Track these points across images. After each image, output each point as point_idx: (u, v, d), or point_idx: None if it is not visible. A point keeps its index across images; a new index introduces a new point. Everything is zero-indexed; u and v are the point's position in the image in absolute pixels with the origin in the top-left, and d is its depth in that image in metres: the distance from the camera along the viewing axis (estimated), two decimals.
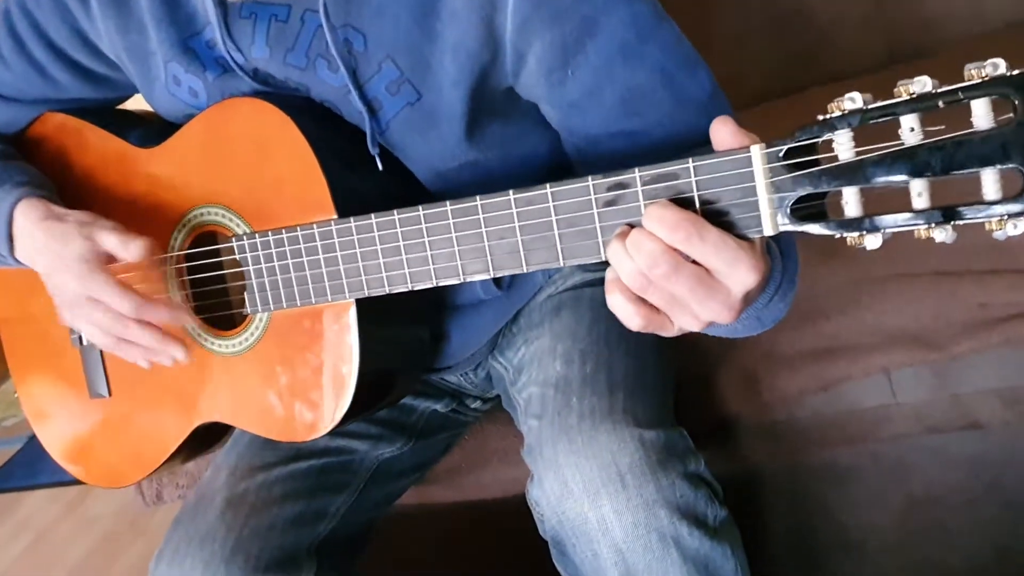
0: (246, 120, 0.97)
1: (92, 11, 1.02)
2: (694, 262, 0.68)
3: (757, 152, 0.66)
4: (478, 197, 0.79)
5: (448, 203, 0.81)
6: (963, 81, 0.57)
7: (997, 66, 0.56)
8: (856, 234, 0.64)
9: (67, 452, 1.22)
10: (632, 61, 0.84)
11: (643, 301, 0.71)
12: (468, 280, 0.82)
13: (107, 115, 1.16)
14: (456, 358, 1.15)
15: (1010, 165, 0.57)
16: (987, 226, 0.59)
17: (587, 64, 0.85)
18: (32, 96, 1.13)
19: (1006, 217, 0.58)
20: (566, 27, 0.84)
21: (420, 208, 0.82)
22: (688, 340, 0.84)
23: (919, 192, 0.60)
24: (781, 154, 0.65)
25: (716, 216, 0.69)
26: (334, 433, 1.00)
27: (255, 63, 0.97)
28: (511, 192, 0.77)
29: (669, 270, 0.68)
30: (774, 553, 1.34)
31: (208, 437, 1.14)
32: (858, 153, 0.62)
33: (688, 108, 0.86)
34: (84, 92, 1.13)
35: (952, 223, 0.60)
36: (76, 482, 1.23)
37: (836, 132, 0.63)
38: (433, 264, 0.83)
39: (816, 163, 0.64)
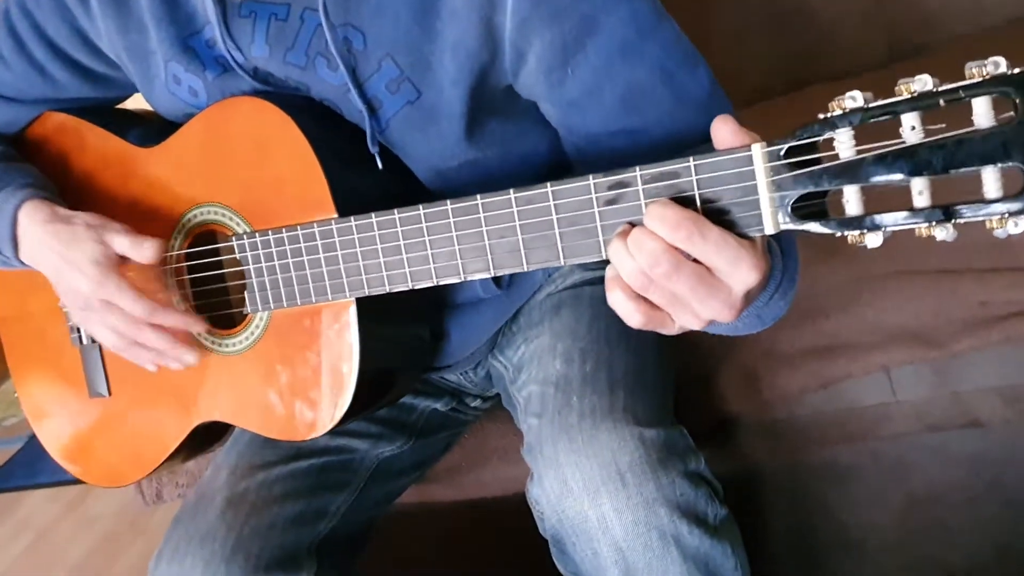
0: (246, 119, 0.97)
1: (92, 10, 1.02)
2: (695, 261, 0.68)
3: (758, 151, 0.66)
4: (478, 196, 0.79)
5: (448, 202, 0.81)
6: (964, 79, 0.57)
7: (998, 64, 0.56)
8: (857, 232, 0.64)
9: (67, 451, 1.22)
10: (632, 59, 0.84)
11: (644, 299, 0.71)
12: (469, 279, 0.82)
13: (107, 114, 1.16)
14: (456, 357, 1.15)
15: (1011, 163, 0.57)
16: (988, 224, 0.59)
17: (587, 63, 0.85)
18: (32, 96, 1.13)
19: (1007, 215, 0.58)
20: (565, 26, 0.84)
21: (421, 207, 0.82)
22: (688, 339, 0.84)
23: (920, 190, 0.60)
24: (782, 153, 0.65)
25: (717, 215, 0.69)
26: (334, 432, 1.00)
27: (255, 62, 0.97)
28: (511, 191, 0.77)
29: (670, 269, 0.68)
30: (774, 551, 1.34)
31: (208, 436, 1.14)
32: (859, 152, 0.62)
33: (688, 106, 0.86)
34: (84, 91, 1.13)
35: (953, 221, 0.60)
36: (76, 482, 1.23)
37: (837, 131, 0.63)
38: (434, 263, 0.83)
39: (817, 162, 0.64)
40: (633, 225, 0.71)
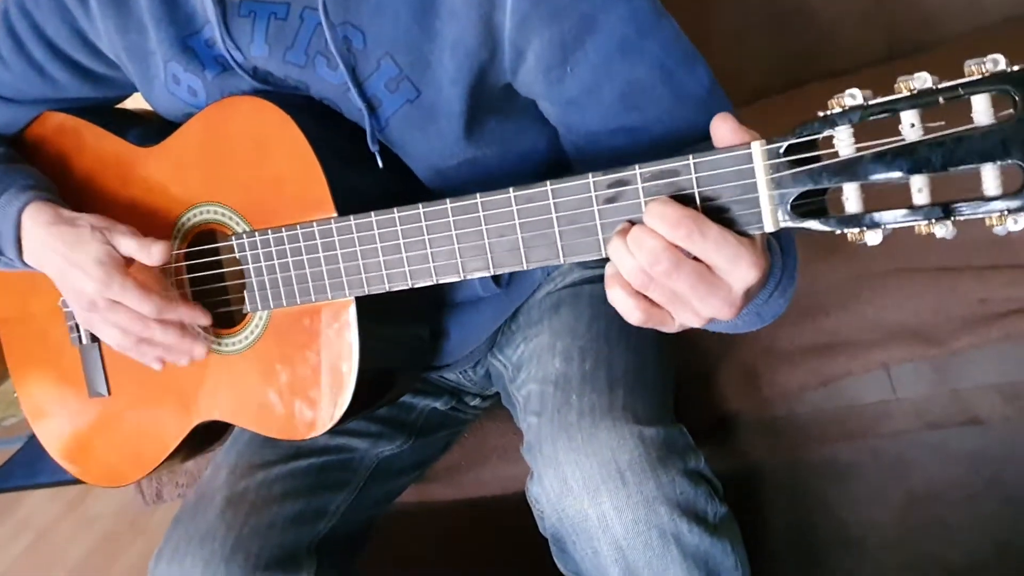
0: (246, 118, 0.97)
1: (91, 11, 1.02)
2: (695, 259, 0.68)
3: (757, 149, 0.66)
4: (478, 195, 0.79)
5: (448, 201, 0.81)
6: (963, 77, 0.57)
7: (997, 62, 0.56)
8: (856, 230, 0.64)
9: (66, 451, 1.22)
10: (631, 57, 0.84)
11: (644, 296, 0.71)
12: (468, 278, 0.82)
13: (106, 114, 1.16)
14: (455, 356, 1.15)
15: (1010, 161, 0.57)
16: (987, 222, 0.59)
17: (586, 61, 0.85)
18: (31, 96, 1.13)
19: (1006, 213, 0.58)
20: (565, 24, 0.84)
21: (420, 206, 0.82)
22: (688, 337, 0.84)
23: (919, 188, 0.60)
24: (781, 150, 0.65)
25: (717, 213, 0.69)
26: (334, 431, 1.00)
27: (254, 61, 0.96)
28: (511, 190, 0.77)
29: (670, 267, 0.68)
30: (774, 549, 1.34)
31: (208, 436, 1.14)
32: (858, 149, 0.62)
33: (687, 104, 0.86)
34: (83, 92, 1.12)
35: (952, 219, 0.60)
36: (76, 481, 1.23)
37: (836, 128, 0.63)
38: (433, 262, 0.83)
39: (817, 159, 0.64)
40: (633, 223, 0.71)
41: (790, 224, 0.66)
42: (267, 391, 1.01)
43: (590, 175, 0.73)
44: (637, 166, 0.71)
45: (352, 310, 0.93)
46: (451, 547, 1.50)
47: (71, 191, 1.09)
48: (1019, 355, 1.19)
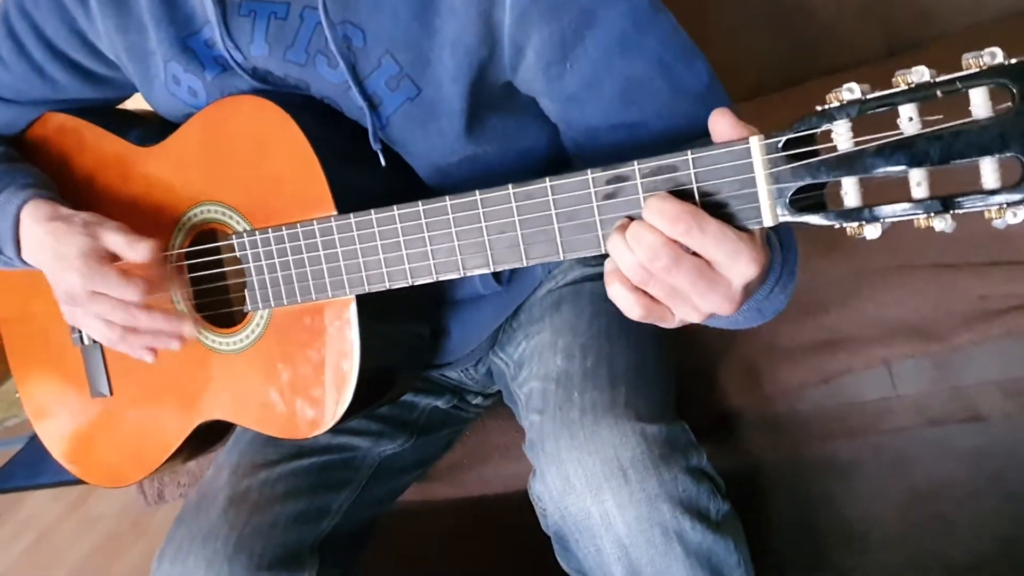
0: (246, 117, 0.97)
1: (91, 11, 1.02)
2: (694, 254, 0.68)
3: (756, 143, 0.66)
4: (477, 192, 0.79)
5: (448, 198, 0.81)
6: (961, 71, 0.57)
7: (995, 55, 0.56)
8: (855, 224, 0.64)
9: (68, 451, 1.22)
10: (630, 52, 0.84)
11: (643, 291, 0.71)
12: (468, 274, 0.82)
13: (107, 115, 1.16)
14: (457, 354, 1.15)
15: (1008, 154, 0.57)
16: (986, 215, 0.59)
17: (586, 57, 0.85)
18: (32, 97, 1.13)
19: (1005, 206, 0.58)
20: (564, 20, 0.84)
21: (420, 203, 0.83)
22: (688, 333, 0.84)
23: (918, 182, 0.60)
24: (780, 145, 0.66)
25: (716, 208, 0.69)
26: (335, 430, 1.00)
27: (254, 61, 0.97)
28: (510, 186, 0.77)
29: (670, 262, 0.68)
30: (777, 546, 1.34)
31: (209, 436, 1.15)
32: (857, 143, 0.62)
33: (686, 99, 0.86)
34: (83, 92, 1.13)
35: (951, 212, 0.60)
36: (78, 482, 1.23)
37: (835, 122, 0.63)
38: (433, 259, 0.83)
39: (815, 154, 0.64)
40: (632, 219, 0.71)
41: (789, 218, 0.66)
42: (268, 390, 1.01)
43: (589, 171, 0.73)
44: (636, 162, 0.71)
45: (353, 308, 0.93)
46: (453, 546, 1.50)
47: (72, 191, 1.09)
48: (1020, 351, 1.19)
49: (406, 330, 1.07)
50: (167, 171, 1.05)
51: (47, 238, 1.00)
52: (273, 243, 0.94)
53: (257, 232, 0.96)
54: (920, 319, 1.20)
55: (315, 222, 0.90)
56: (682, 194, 0.69)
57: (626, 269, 0.70)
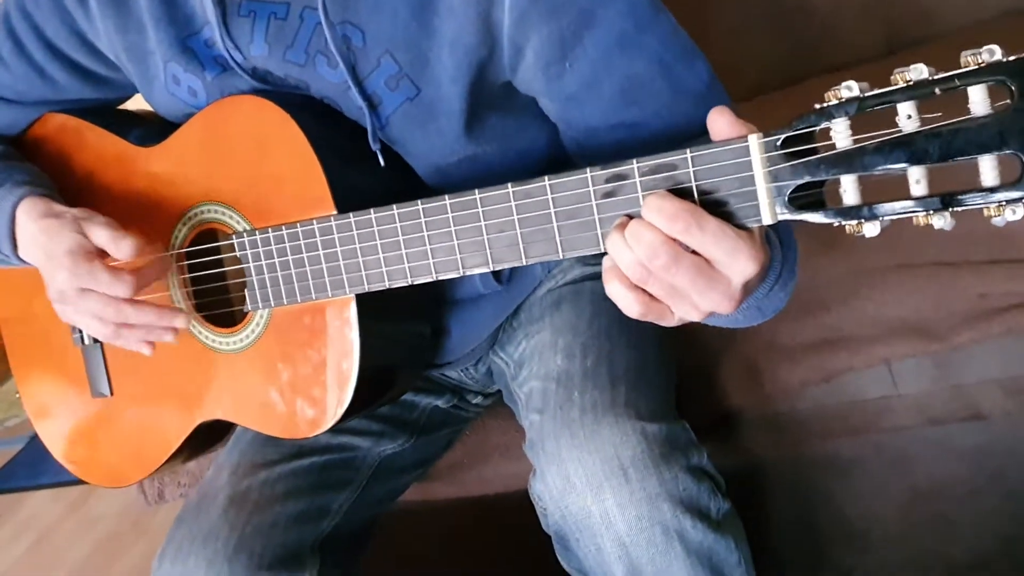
0: (246, 117, 0.97)
1: (91, 11, 1.02)
2: (694, 252, 0.68)
3: (755, 141, 0.66)
4: (476, 191, 0.79)
5: (447, 197, 0.81)
6: (960, 68, 0.57)
7: (993, 52, 0.56)
8: (855, 222, 0.64)
9: (69, 451, 1.22)
10: (630, 52, 0.84)
11: (642, 289, 0.71)
12: (468, 273, 0.82)
13: (107, 115, 1.16)
14: (457, 353, 1.15)
15: (1007, 151, 0.57)
16: (986, 212, 0.59)
17: (585, 56, 0.85)
18: (32, 97, 1.13)
19: (1004, 203, 0.58)
20: (563, 20, 0.84)
21: (419, 202, 0.83)
22: (689, 332, 0.84)
23: (917, 179, 0.60)
24: (779, 143, 0.65)
25: (715, 206, 0.69)
26: (336, 430, 1.00)
27: (254, 61, 0.97)
28: (509, 185, 0.77)
29: (669, 261, 0.68)
30: (777, 545, 1.34)
31: (210, 435, 1.15)
32: (856, 141, 0.62)
33: (686, 99, 0.86)
34: (84, 93, 1.13)
35: (950, 210, 0.60)
36: (78, 482, 1.23)
37: (833, 120, 0.63)
38: (432, 258, 0.83)
39: (814, 152, 0.64)
40: (631, 217, 0.71)
41: (788, 216, 0.66)
42: (269, 390, 1.01)
43: (588, 170, 0.73)
44: (635, 160, 0.71)
45: (353, 308, 0.93)
46: (454, 545, 1.50)
47: (72, 192, 1.10)
48: (1020, 350, 1.19)
49: (406, 329, 1.07)
50: (167, 171, 1.05)
51: (40, 235, 0.99)
52: (273, 243, 0.94)
53: (257, 232, 0.96)
54: (920, 318, 1.20)
55: (315, 222, 0.90)
56: (681, 192, 0.69)
57: (625, 267, 0.70)
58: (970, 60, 0.57)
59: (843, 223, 0.64)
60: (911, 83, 0.59)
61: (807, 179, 0.65)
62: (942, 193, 0.60)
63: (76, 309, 0.99)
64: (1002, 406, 1.22)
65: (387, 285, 0.88)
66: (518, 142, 1.00)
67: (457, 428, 1.34)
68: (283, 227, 0.93)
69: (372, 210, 0.86)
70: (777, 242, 0.78)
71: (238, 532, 1.05)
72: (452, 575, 1.51)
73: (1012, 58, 0.56)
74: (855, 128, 0.62)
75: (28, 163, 1.11)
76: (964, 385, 1.23)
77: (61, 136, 1.15)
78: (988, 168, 0.58)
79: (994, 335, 1.17)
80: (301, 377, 0.98)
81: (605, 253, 0.73)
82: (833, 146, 0.63)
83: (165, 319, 0.99)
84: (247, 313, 1.00)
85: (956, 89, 0.58)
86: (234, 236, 0.98)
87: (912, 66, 0.59)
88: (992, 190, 0.58)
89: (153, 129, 1.10)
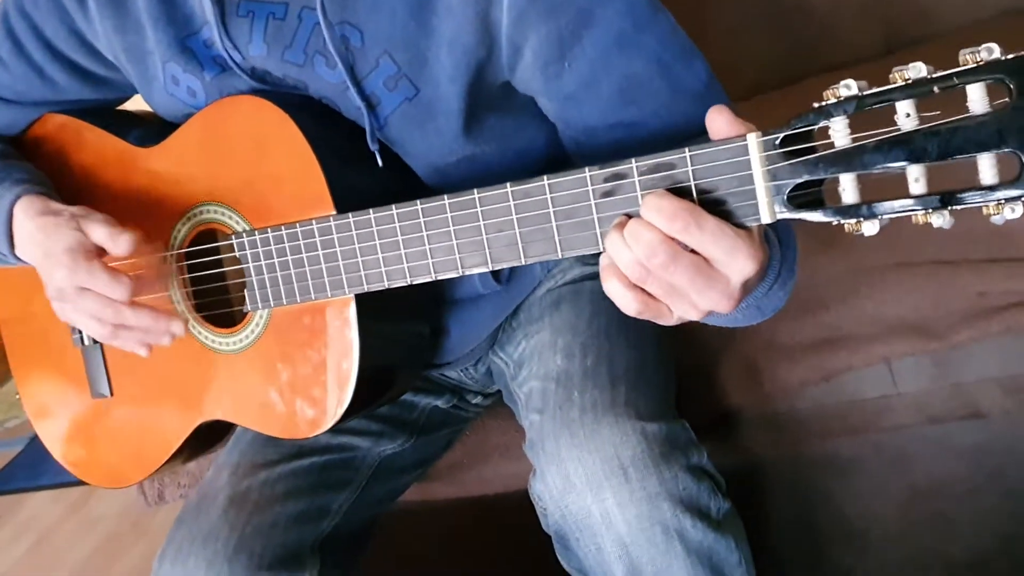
0: (245, 118, 0.97)
1: (90, 12, 1.02)
2: (692, 251, 0.68)
3: (753, 140, 0.66)
4: (475, 191, 0.79)
5: (446, 197, 0.81)
6: (958, 67, 0.57)
7: (991, 51, 0.56)
8: (854, 220, 0.64)
9: (69, 452, 1.22)
10: (629, 51, 0.84)
11: (641, 288, 0.71)
12: (467, 273, 0.82)
13: (107, 115, 1.16)
14: (456, 353, 1.15)
15: (1006, 149, 0.57)
16: (984, 211, 0.59)
17: (584, 56, 0.85)
18: (31, 98, 1.13)
19: (1003, 201, 0.58)
20: (562, 20, 0.84)
21: (418, 202, 0.83)
22: (688, 331, 0.84)
23: (916, 178, 0.60)
24: (777, 142, 0.65)
25: (713, 205, 0.69)
26: (335, 430, 1.00)
27: (253, 61, 0.97)
28: (508, 185, 0.77)
29: (667, 260, 0.68)
30: (777, 544, 1.34)
31: (210, 436, 1.15)
32: (854, 140, 0.62)
33: (685, 98, 0.86)
34: (83, 93, 1.13)
35: (949, 208, 0.60)
36: (78, 483, 1.23)
37: (832, 119, 0.63)
38: (432, 258, 0.83)
39: (813, 150, 0.64)
40: (630, 216, 0.71)
41: (787, 215, 0.66)
42: (268, 390, 1.01)
43: (587, 169, 0.73)
44: (633, 160, 0.71)
45: (352, 308, 0.93)
46: (454, 545, 1.50)
47: (71, 192, 1.09)
48: (1019, 348, 1.19)
49: (405, 329, 1.07)
50: (167, 171, 1.05)
51: (37, 233, 0.99)
52: (272, 243, 0.94)
53: (256, 232, 0.96)
54: (920, 316, 1.20)
55: (314, 222, 0.90)
56: (680, 191, 0.69)
57: (624, 266, 0.70)
58: (968, 58, 0.57)
59: (842, 222, 0.64)
60: (910, 81, 0.59)
61: (806, 178, 0.65)
62: (941, 192, 0.60)
63: (75, 307, 0.99)
64: (1001, 404, 1.22)
65: (386, 285, 0.88)
66: (517, 142, 1.00)
67: (457, 428, 1.34)
68: (282, 227, 0.93)
69: (371, 210, 0.86)
70: (776, 241, 0.78)
71: (238, 532, 1.05)
72: (452, 575, 1.51)
73: (1010, 56, 0.56)
74: (854, 127, 0.62)
75: (26, 162, 1.11)
76: (963, 384, 1.23)
77: (61, 136, 1.15)
78: (987, 166, 0.58)
79: (993, 333, 1.17)
80: (301, 377, 0.98)
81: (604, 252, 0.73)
82: (832, 145, 0.63)
83: (162, 323, 0.99)
84: (247, 313, 1.00)
85: (955, 87, 0.58)
86: (233, 236, 0.98)
87: (910, 65, 0.59)
88: (991, 188, 0.58)
89: (152, 129, 1.10)
